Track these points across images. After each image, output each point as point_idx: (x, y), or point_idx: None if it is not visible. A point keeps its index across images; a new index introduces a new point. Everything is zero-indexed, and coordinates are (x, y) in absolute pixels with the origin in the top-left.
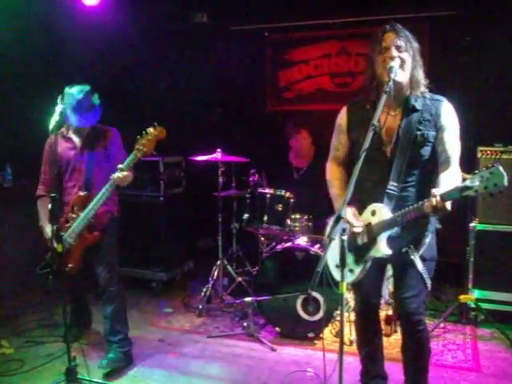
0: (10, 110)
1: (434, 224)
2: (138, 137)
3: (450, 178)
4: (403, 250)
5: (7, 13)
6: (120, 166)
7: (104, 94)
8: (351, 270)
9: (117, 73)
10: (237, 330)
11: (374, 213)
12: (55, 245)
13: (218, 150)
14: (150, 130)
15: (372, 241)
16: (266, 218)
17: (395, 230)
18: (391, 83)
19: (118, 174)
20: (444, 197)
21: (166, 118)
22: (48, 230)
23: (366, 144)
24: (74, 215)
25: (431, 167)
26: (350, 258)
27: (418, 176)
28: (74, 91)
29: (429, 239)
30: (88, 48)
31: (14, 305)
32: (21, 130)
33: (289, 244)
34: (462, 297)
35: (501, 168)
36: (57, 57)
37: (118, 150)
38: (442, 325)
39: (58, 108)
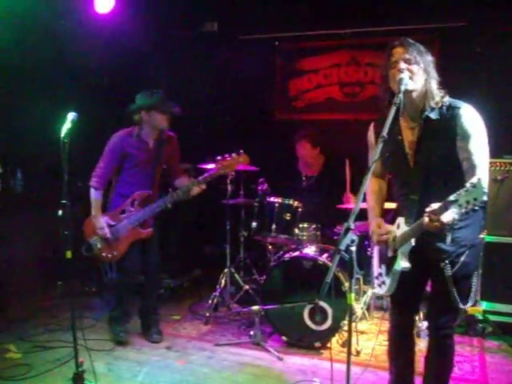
0: (21, 115)
1: (471, 239)
2: (219, 157)
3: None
4: (441, 264)
5: (19, 21)
6: (200, 179)
7: (115, 100)
8: (384, 282)
9: (127, 80)
10: (243, 338)
11: (398, 226)
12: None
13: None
14: (234, 155)
15: (395, 254)
16: (274, 226)
17: (413, 242)
18: (401, 95)
19: (196, 188)
20: (436, 211)
21: (176, 125)
22: (100, 220)
23: (376, 156)
24: (132, 208)
25: (457, 176)
26: (383, 270)
27: (441, 187)
28: (152, 92)
29: (464, 257)
30: (100, 55)
31: (22, 309)
32: (30, 136)
33: (297, 253)
34: (469, 309)
35: (482, 182)
36: (68, 64)
37: (178, 157)
38: None
39: (70, 116)
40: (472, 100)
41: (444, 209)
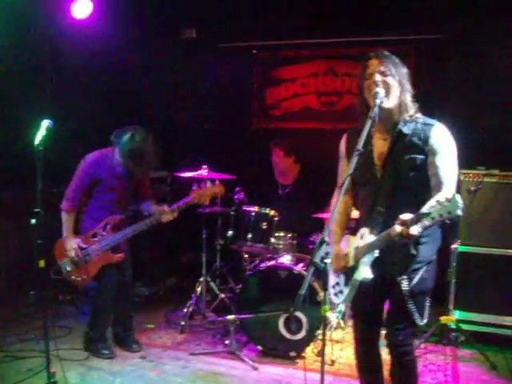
0: None
1: (429, 255)
2: (195, 186)
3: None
4: (398, 279)
5: None
6: (173, 207)
7: (92, 106)
8: (341, 291)
9: (105, 86)
10: (219, 347)
11: (362, 236)
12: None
13: (204, 166)
14: (209, 185)
15: (357, 264)
16: (250, 235)
17: (376, 254)
18: (376, 109)
19: (168, 216)
20: (407, 222)
21: (152, 132)
22: (71, 241)
23: (351, 169)
24: (104, 232)
25: (424, 191)
26: (341, 280)
27: (408, 200)
28: (129, 137)
29: (422, 272)
30: (77, 61)
31: None
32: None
33: (272, 262)
34: (442, 318)
35: (458, 197)
36: (44, 69)
37: (148, 183)
38: (423, 345)
39: (45, 123)
40: (445, 111)
41: (415, 221)
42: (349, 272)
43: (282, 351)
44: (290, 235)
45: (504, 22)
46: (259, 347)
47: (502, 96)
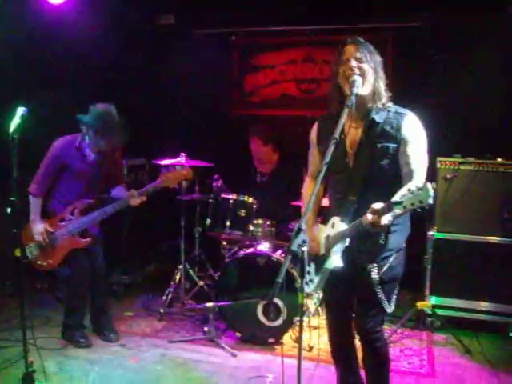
0: None
1: (398, 243)
2: (164, 169)
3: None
4: (368, 267)
5: None
6: (141, 191)
7: (68, 92)
8: (311, 280)
9: (80, 72)
10: (198, 334)
11: (333, 225)
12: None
13: (182, 153)
14: (178, 168)
15: (328, 253)
16: (228, 223)
17: (347, 242)
18: (353, 97)
19: (137, 200)
20: (379, 212)
21: (130, 120)
22: (38, 225)
23: (327, 158)
24: (71, 217)
25: (395, 180)
26: (311, 268)
27: (379, 189)
28: (100, 112)
29: (392, 259)
30: (51, 47)
31: None
32: None
33: (251, 250)
34: (418, 303)
35: (429, 185)
36: (18, 55)
37: (120, 169)
38: (399, 330)
39: (20, 110)
40: (422, 99)
41: (387, 210)
42: (319, 261)
43: (261, 338)
44: (268, 223)
45: (480, 10)
46: (238, 334)
47: (478, 84)
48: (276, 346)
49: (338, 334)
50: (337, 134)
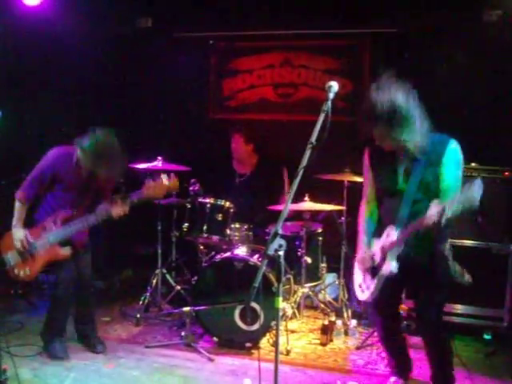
0: None
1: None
2: (151, 180)
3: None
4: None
5: None
6: (127, 200)
7: (44, 95)
8: (368, 287)
9: (57, 75)
10: (175, 339)
11: (388, 235)
12: None
13: (159, 157)
14: (164, 178)
15: (382, 260)
16: (205, 227)
17: (401, 248)
18: (329, 102)
19: (119, 209)
20: (439, 212)
21: (107, 122)
22: (20, 231)
23: (304, 161)
24: (54, 226)
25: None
26: (367, 277)
27: (426, 207)
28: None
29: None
30: (28, 50)
31: None
32: None
33: (228, 254)
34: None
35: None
36: None
37: (111, 188)
38: (376, 333)
39: None
40: None
41: (443, 211)
42: (374, 269)
43: (238, 342)
44: (245, 226)
45: (458, 14)
46: (215, 338)
47: (455, 90)
48: (253, 351)
49: (390, 331)
50: (313, 139)
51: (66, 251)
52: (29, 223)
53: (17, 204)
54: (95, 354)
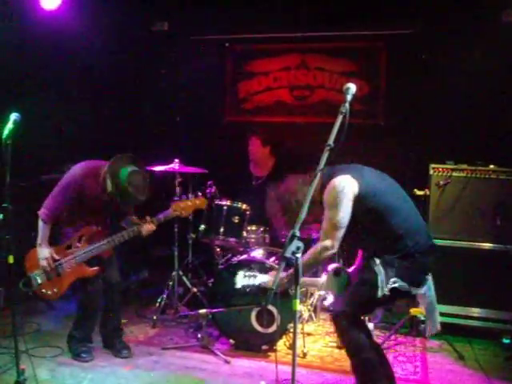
0: None
1: None
2: (176, 198)
3: None
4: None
5: None
6: (154, 219)
7: (61, 98)
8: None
9: (74, 78)
10: (191, 341)
11: None
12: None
13: (176, 160)
14: (192, 197)
15: None
16: (222, 229)
17: None
18: (347, 104)
19: (148, 227)
20: None
21: (124, 126)
22: (45, 250)
23: (321, 165)
24: (78, 244)
25: None
26: None
27: None
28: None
29: None
30: (46, 53)
31: None
32: None
33: (244, 256)
34: (412, 310)
35: None
36: (12, 62)
37: (133, 207)
38: (393, 337)
39: (13, 116)
40: (416, 106)
41: None
42: None
43: (255, 345)
44: (262, 229)
45: (476, 15)
46: (231, 341)
47: (472, 91)
48: (270, 353)
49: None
50: (331, 141)
51: (93, 269)
52: (51, 239)
53: (40, 223)
54: (121, 358)
